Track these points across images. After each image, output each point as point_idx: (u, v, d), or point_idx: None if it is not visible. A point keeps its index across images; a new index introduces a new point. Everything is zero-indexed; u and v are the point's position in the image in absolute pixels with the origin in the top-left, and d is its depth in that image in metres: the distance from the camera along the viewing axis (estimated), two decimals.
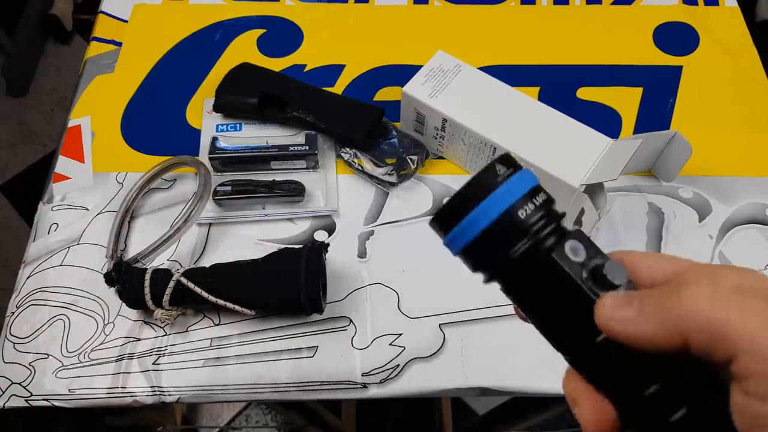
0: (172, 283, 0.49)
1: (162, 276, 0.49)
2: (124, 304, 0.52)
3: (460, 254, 0.26)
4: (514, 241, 0.24)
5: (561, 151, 0.54)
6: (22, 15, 1.70)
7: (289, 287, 0.48)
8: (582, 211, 0.53)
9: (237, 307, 0.49)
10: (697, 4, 0.75)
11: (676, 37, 0.73)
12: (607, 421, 0.24)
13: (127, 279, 0.50)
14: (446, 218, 0.25)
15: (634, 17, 0.74)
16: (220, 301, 0.49)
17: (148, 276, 0.49)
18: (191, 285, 0.49)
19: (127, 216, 0.57)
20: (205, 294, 0.49)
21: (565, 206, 0.54)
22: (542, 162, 0.53)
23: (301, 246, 0.51)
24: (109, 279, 0.50)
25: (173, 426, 0.92)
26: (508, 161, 0.25)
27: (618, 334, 0.23)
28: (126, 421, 0.60)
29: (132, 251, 0.56)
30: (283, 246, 0.55)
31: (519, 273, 0.25)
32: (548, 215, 0.25)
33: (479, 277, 0.27)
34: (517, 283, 0.26)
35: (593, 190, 0.52)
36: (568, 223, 0.56)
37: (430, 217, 0.26)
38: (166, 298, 0.49)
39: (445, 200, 0.24)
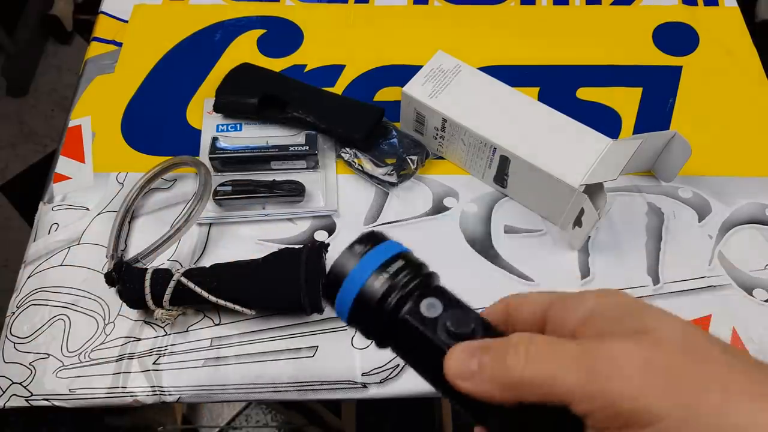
0: (172, 283, 0.49)
1: (162, 276, 0.49)
2: (124, 304, 0.52)
3: (349, 323, 0.28)
4: (377, 311, 0.27)
5: (561, 152, 0.54)
6: (23, 15, 1.70)
7: (290, 287, 0.48)
8: (582, 212, 0.53)
9: (237, 307, 0.49)
10: (696, 5, 0.76)
11: (676, 38, 0.73)
12: None
13: (127, 279, 0.50)
14: (327, 296, 0.28)
15: (633, 17, 0.74)
16: (221, 301, 0.49)
17: (148, 276, 0.49)
18: (191, 285, 0.49)
19: (128, 216, 0.57)
20: (205, 294, 0.49)
21: (564, 206, 0.55)
22: (542, 162, 0.54)
23: (301, 246, 0.51)
24: (110, 279, 0.50)
25: (173, 426, 0.92)
26: (367, 239, 0.28)
27: (462, 390, 0.25)
28: (126, 421, 0.60)
29: (132, 251, 0.56)
30: (283, 246, 0.55)
31: (391, 337, 0.28)
32: (405, 281, 0.27)
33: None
34: (395, 346, 0.28)
35: (593, 190, 0.52)
36: (568, 224, 0.56)
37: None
38: (166, 298, 0.49)
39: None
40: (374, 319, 0.27)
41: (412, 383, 0.50)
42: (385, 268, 0.27)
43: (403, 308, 0.27)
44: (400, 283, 0.27)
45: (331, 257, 0.54)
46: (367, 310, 0.27)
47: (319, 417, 1.03)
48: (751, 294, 0.55)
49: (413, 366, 0.28)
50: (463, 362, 0.25)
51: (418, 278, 0.27)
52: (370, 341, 0.29)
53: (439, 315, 0.26)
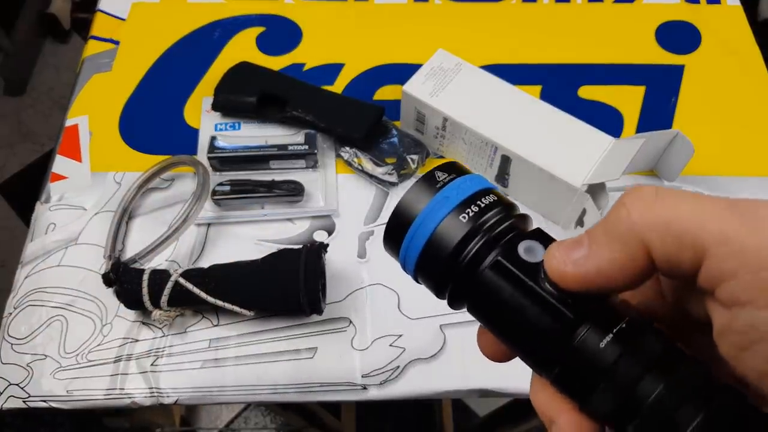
0: (170, 284, 0.48)
1: (160, 277, 0.49)
2: (122, 305, 0.51)
3: (416, 275, 0.23)
4: (459, 249, 0.22)
5: (563, 151, 0.54)
6: (20, 14, 1.69)
7: (289, 288, 0.48)
8: (584, 211, 0.52)
9: (236, 308, 0.49)
10: (699, 3, 0.75)
11: (679, 36, 0.72)
12: None
13: (125, 280, 0.49)
14: (389, 240, 0.23)
15: (636, 16, 0.74)
16: (219, 302, 0.49)
17: (146, 277, 0.49)
18: (190, 286, 0.48)
19: (125, 216, 0.57)
20: (203, 295, 0.48)
21: (566, 206, 0.54)
22: (544, 162, 0.53)
23: (301, 246, 0.50)
24: (107, 279, 0.50)
25: (172, 427, 0.92)
26: (450, 168, 0.23)
27: (577, 280, 0.20)
28: (124, 423, 0.60)
29: (130, 251, 0.55)
30: (282, 246, 0.54)
31: (474, 286, 0.22)
32: (495, 219, 0.22)
33: (455, 310, 0.25)
34: (476, 298, 0.23)
35: (595, 190, 0.52)
36: (570, 224, 0.55)
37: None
38: (164, 298, 0.48)
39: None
40: (453, 264, 0.22)
41: (412, 385, 0.50)
42: (474, 201, 0.22)
43: (493, 251, 0.22)
44: (487, 225, 0.22)
45: (330, 257, 0.53)
46: (445, 250, 0.22)
47: (318, 419, 1.02)
48: None
49: (496, 326, 0.23)
50: (570, 250, 0.20)
51: (512, 218, 0.23)
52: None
53: (541, 260, 0.21)
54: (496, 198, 0.23)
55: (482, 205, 0.22)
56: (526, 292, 0.21)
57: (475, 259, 0.22)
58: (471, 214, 0.22)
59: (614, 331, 0.20)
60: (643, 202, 0.19)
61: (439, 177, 0.23)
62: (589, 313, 0.20)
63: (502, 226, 0.22)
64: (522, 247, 0.22)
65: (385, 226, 0.23)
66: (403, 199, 0.23)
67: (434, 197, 0.22)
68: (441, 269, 0.22)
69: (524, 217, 0.24)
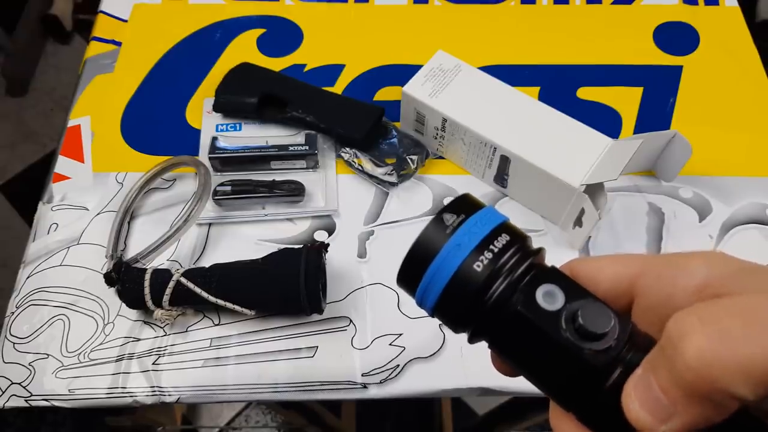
0: (172, 284, 0.49)
1: (162, 276, 0.49)
2: (123, 304, 0.51)
3: (433, 315, 0.23)
4: (475, 301, 0.21)
5: (561, 151, 0.54)
6: (22, 15, 1.70)
7: (289, 287, 0.48)
8: (582, 212, 0.52)
9: (237, 308, 0.49)
10: (697, 4, 0.75)
11: (677, 37, 0.72)
12: None
13: (126, 279, 0.50)
14: (406, 280, 0.23)
15: (634, 17, 0.74)
16: (220, 302, 0.49)
17: (147, 276, 0.49)
18: (191, 285, 0.49)
19: (127, 216, 0.57)
20: (204, 294, 0.49)
21: (565, 206, 0.54)
22: (542, 162, 0.53)
23: (301, 246, 0.51)
24: (109, 279, 0.50)
25: (173, 426, 0.92)
26: (458, 206, 0.23)
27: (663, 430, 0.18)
28: (126, 421, 0.60)
29: (132, 251, 0.56)
30: (283, 246, 0.55)
31: (495, 331, 0.22)
32: (512, 261, 0.22)
33: (473, 344, 0.24)
34: (497, 342, 0.23)
35: (593, 190, 0.52)
36: (569, 224, 0.56)
37: (397, 277, 0.24)
38: (165, 298, 0.49)
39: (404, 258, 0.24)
40: (471, 311, 0.22)
41: (411, 384, 0.50)
42: (486, 246, 0.21)
43: (513, 297, 0.21)
44: (507, 266, 0.21)
45: (331, 257, 0.54)
46: (462, 299, 0.21)
47: (318, 417, 1.03)
48: None
49: (518, 367, 0.23)
50: (645, 400, 0.19)
51: (528, 258, 0.22)
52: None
53: (561, 307, 0.21)
54: (509, 237, 0.22)
55: (496, 249, 0.21)
56: (549, 344, 0.21)
57: (496, 304, 0.21)
58: (486, 262, 0.21)
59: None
60: (703, 347, 0.17)
61: (448, 220, 0.22)
62: (616, 361, 0.20)
63: (520, 269, 0.22)
64: (540, 294, 0.21)
65: (400, 265, 0.23)
66: (418, 240, 0.22)
67: (448, 241, 0.22)
68: (460, 316, 0.22)
69: (541, 250, 0.24)
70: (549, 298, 0.21)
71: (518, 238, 0.22)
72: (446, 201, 0.59)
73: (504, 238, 0.22)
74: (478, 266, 0.21)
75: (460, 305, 0.22)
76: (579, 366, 0.20)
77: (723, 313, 0.17)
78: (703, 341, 0.17)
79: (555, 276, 0.22)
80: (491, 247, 0.21)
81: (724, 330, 0.17)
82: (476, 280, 0.21)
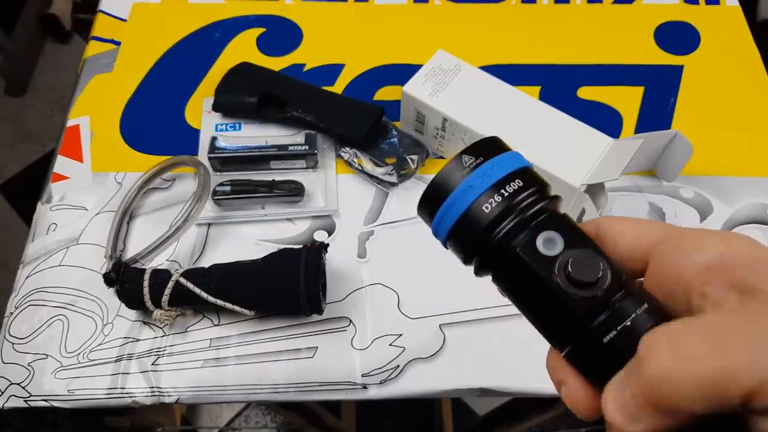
0: (171, 284, 0.48)
1: (161, 276, 0.49)
2: (123, 305, 0.51)
3: (446, 244, 0.25)
4: (490, 228, 0.23)
5: (562, 151, 0.54)
6: (21, 14, 1.70)
7: (289, 288, 0.48)
8: (583, 211, 0.52)
9: (236, 308, 0.49)
10: (698, 4, 0.75)
11: (678, 37, 0.72)
12: (598, 404, 0.22)
13: (126, 279, 0.49)
14: (424, 208, 0.25)
15: (635, 16, 0.74)
16: (220, 302, 0.49)
17: (147, 276, 0.49)
18: (190, 285, 0.49)
19: (126, 216, 0.57)
20: (204, 295, 0.49)
21: (566, 206, 0.54)
22: (543, 162, 0.53)
23: (301, 246, 0.51)
24: (108, 279, 0.50)
25: (173, 426, 0.92)
26: (480, 148, 0.24)
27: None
28: (125, 422, 0.60)
29: (131, 251, 0.55)
30: (282, 246, 0.55)
31: (499, 265, 0.24)
32: (523, 205, 0.23)
33: (479, 278, 0.26)
34: (500, 276, 0.25)
35: (594, 190, 0.52)
36: None
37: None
38: (165, 298, 0.49)
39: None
40: (478, 246, 0.23)
41: (411, 384, 0.50)
42: (502, 186, 0.23)
43: (516, 238, 0.23)
44: (517, 207, 0.23)
45: (331, 257, 0.53)
46: (471, 233, 0.23)
47: (318, 418, 1.02)
48: None
49: (515, 302, 0.25)
50: (620, 406, 0.20)
51: (540, 203, 0.23)
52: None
53: (559, 253, 0.22)
54: (523, 182, 0.24)
55: (506, 193, 0.23)
56: (541, 286, 0.22)
57: (504, 239, 0.23)
58: (505, 195, 0.23)
59: (618, 328, 0.21)
60: (663, 368, 0.19)
61: (465, 162, 0.24)
62: (604, 307, 0.22)
63: (530, 212, 0.23)
64: (541, 239, 0.23)
65: (420, 196, 0.25)
66: (443, 170, 0.24)
67: (472, 174, 0.23)
68: (471, 244, 0.24)
69: (556, 198, 0.25)
70: (549, 243, 0.23)
71: (534, 183, 0.24)
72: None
73: (518, 183, 0.23)
74: (487, 207, 0.23)
75: (468, 241, 0.24)
76: (566, 309, 0.22)
77: (690, 333, 0.19)
78: (662, 360, 0.19)
79: (561, 223, 0.23)
80: (502, 190, 0.23)
81: (685, 351, 0.19)
82: (483, 221, 0.23)
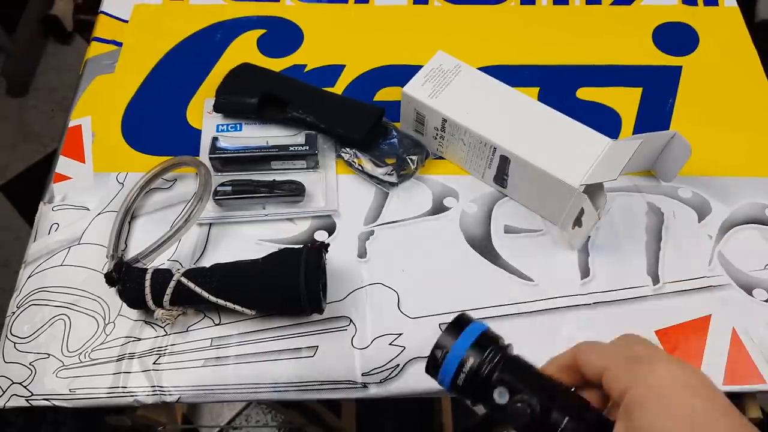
0: (172, 284, 0.49)
1: (162, 276, 0.49)
2: (124, 304, 0.52)
3: (450, 392, 0.35)
4: (471, 385, 0.34)
5: (561, 152, 0.54)
6: (23, 15, 1.70)
7: (290, 287, 0.48)
8: (582, 212, 0.53)
9: (237, 307, 0.49)
10: (696, 5, 0.76)
11: (676, 38, 0.73)
12: None
13: (127, 279, 0.50)
14: (431, 369, 0.35)
15: (633, 17, 0.74)
16: (221, 301, 0.49)
17: (148, 276, 0.49)
18: (192, 285, 0.49)
19: (128, 216, 0.57)
20: (205, 294, 0.49)
21: (564, 206, 0.55)
22: (542, 162, 0.54)
23: (302, 246, 0.51)
24: (110, 279, 0.50)
25: (174, 425, 0.92)
26: (459, 323, 0.35)
27: None
28: (126, 421, 0.60)
29: (132, 251, 0.56)
30: (283, 246, 0.55)
31: (483, 399, 0.34)
32: (490, 356, 0.34)
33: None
34: (489, 411, 0.35)
35: (593, 190, 0.52)
36: (568, 224, 0.56)
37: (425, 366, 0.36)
38: (166, 298, 0.49)
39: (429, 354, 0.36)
40: (470, 390, 0.34)
41: (411, 383, 0.50)
42: (476, 345, 0.34)
43: (491, 379, 0.34)
44: (487, 359, 0.34)
45: (331, 257, 0.54)
46: (464, 382, 0.34)
47: (319, 417, 1.03)
48: (751, 294, 0.55)
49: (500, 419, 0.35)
50: None
51: (500, 353, 0.34)
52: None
53: (506, 402, 0.33)
54: (485, 348, 0.34)
55: (474, 364, 0.34)
56: (499, 417, 0.34)
57: (477, 394, 0.34)
58: (466, 371, 0.34)
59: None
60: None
61: (452, 332, 0.35)
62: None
63: (495, 360, 0.34)
64: (496, 393, 0.33)
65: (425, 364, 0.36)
66: (436, 343, 0.35)
67: (446, 358, 0.34)
68: (462, 396, 0.35)
69: (509, 347, 0.36)
70: (500, 396, 0.33)
71: (493, 339, 0.35)
72: (446, 201, 0.60)
73: (484, 340, 0.35)
74: (472, 359, 0.34)
75: (461, 393, 0.35)
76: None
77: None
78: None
79: (511, 370, 0.34)
80: (478, 346, 0.34)
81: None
82: (472, 367, 0.34)
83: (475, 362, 0.34)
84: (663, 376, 0.28)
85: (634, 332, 0.33)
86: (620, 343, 0.32)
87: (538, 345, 0.49)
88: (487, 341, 0.35)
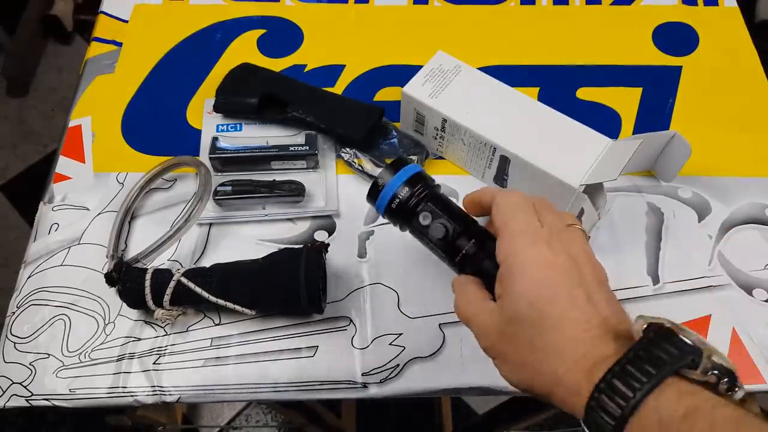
0: (172, 284, 0.49)
1: (162, 276, 0.49)
2: (124, 304, 0.52)
3: (384, 215, 0.45)
4: (403, 209, 0.43)
5: (560, 152, 0.54)
6: (23, 15, 1.70)
7: (290, 288, 0.48)
8: (581, 211, 0.53)
9: (238, 307, 0.49)
10: (696, 5, 0.76)
11: (676, 37, 0.73)
12: None
13: (127, 279, 0.50)
14: (371, 197, 0.45)
15: (633, 17, 0.75)
16: (221, 302, 0.49)
17: (148, 276, 0.49)
18: (192, 285, 0.49)
19: (128, 216, 0.57)
20: (205, 294, 0.49)
21: (564, 206, 0.55)
22: (542, 162, 0.54)
23: (302, 246, 0.51)
24: (110, 279, 0.50)
25: (174, 425, 0.92)
26: (398, 163, 0.44)
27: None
28: (126, 421, 0.60)
29: (132, 251, 0.56)
30: (283, 246, 0.55)
31: (410, 229, 0.44)
32: (419, 191, 0.43)
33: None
34: (412, 233, 0.45)
35: (593, 190, 0.52)
36: None
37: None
38: (166, 298, 0.49)
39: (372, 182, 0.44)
40: (401, 214, 0.44)
41: (411, 383, 0.50)
42: (409, 182, 0.43)
43: (417, 208, 0.43)
44: (416, 192, 0.43)
45: (331, 257, 0.54)
46: (390, 214, 0.44)
47: (319, 417, 1.03)
48: (750, 294, 0.55)
49: (424, 245, 0.44)
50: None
51: (427, 190, 0.43)
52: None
53: (429, 223, 0.42)
54: (417, 184, 0.43)
55: (406, 194, 0.43)
56: (425, 241, 0.44)
57: (406, 217, 0.44)
58: (401, 197, 0.43)
59: (465, 250, 0.41)
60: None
61: (382, 178, 0.44)
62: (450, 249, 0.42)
63: (421, 197, 0.43)
64: (420, 216, 0.43)
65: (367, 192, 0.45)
66: (377, 176, 0.44)
67: (384, 188, 0.44)
68: (393, 221, 0.45)
69: (437, 187, 0.45)
70: (424, 219, 0.42)
71: (425, 179, 0.44)
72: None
73: (416, 179, 0.44)
74: (404, 191, 0.43)
75: (392, 217, 0.44)
76: (437, 250, 0.43)
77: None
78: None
79: (434, 202, 0.43)
80: (410, 182, 0.43)
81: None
82: (403, 198, 0.43)
83: (407, 193, 0.43)
84: (532, 255, 0.35)
85: None
86: (527, 209, 0.38)
87: None
88: (418, 180, 0.43)
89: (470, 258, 0.41)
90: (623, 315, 0.35)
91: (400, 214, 0.43)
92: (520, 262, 0.35)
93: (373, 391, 0.50)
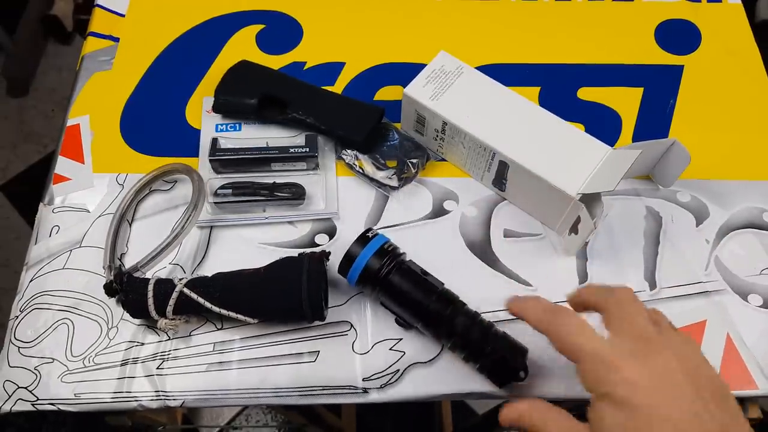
0: (175, 295, 0.49)
1: (165, 287, 0.49)
2: None
3: (355, 286, 0.51)
4: (375, 277, 0.49)
5: (559, 159, 0.54)
6: (23, 15, 1.70)
7: (292, 298, 0.48)
8: (578, 219, 0.53)
9: (240, 317, 0.50)
10: (699, 1, 0.75)
11: (679, 35, 0.72)
12: None
13: (129, 290, 0.50)
14: (342, 271, 0.50)
15: (636, 14, 0.74)
16: (224, 311, 0.49)
17: (150, 287, 0.49)
18: (194, 296, 0.49)
19: (121, 224, 0.57)
20: (208, 305, 0.49)
21: (561, 214, 0.55)
22: (540, 169, 0.53)
23: (303, 254, 0.51)
24: (110, 290, 0.50)
25: (174, 425, 0.93)
26: (365, 236, 0.50)
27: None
28: (126, 421, 0.60)
29: (133, 252, 0.56)
30: (284, 249, 0.55)
31: (381, 292, 0.50)
32: (387, 261, 0.49)
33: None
34: (384, 299, 0.50)
35: (590, 199, 0.52)
36: (565, 230, 0.56)
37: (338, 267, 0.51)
38: (169, 309, 0.49)
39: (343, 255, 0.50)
40: (372, 282, 0.49)
41: (411, 388, 0.51)
42: (377, 252, 0.49)
43: (387, 277, 0.49)
44: (385, 263, 0.48)
45: (331, 260, 0.54)
46: (369, 277, 0.49)
47: (318, 417, 1.03)
48: (745, 299, 0.55)
49: (397, 310, 0.51)
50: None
51: (395, 259, 0.49)
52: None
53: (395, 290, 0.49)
54: (386, 249, 0.50)
55: (378, 265, 0.49)
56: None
57: (382, 280, 0.49)
58: (378, 258, 0.49)
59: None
60: None
61: (353, 251, 0.50)
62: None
63: (392, 263, 0.49)
64: (396, 278, 0.49)
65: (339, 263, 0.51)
66: (347, 251, 0.50)
67: (356, 259, 0.49)
68: (367, 283, 0.50)
69: (403, 255, 0.51)
70: (399, 283, 0.49)
71: (389, 249, 0.50)
72: (446, 204, 0.60)
73: (387, 250, 0.50)
74: (374, 261, 0.49)
75: (368, 279, 0.49)
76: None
77: None
78: None
79: (404, 272, 0.49)
80: (379, 253, 0.49)
81: None
82: (372, 271, 0.49)
83: (375, 265, 0.48)
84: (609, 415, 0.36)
85: None
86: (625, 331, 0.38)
87: (536, 349, 0.49)
88: (385, 252, 0.49)
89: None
90: None
91: (369, 285, 0.50)
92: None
93: (374, 396, 0.50)
